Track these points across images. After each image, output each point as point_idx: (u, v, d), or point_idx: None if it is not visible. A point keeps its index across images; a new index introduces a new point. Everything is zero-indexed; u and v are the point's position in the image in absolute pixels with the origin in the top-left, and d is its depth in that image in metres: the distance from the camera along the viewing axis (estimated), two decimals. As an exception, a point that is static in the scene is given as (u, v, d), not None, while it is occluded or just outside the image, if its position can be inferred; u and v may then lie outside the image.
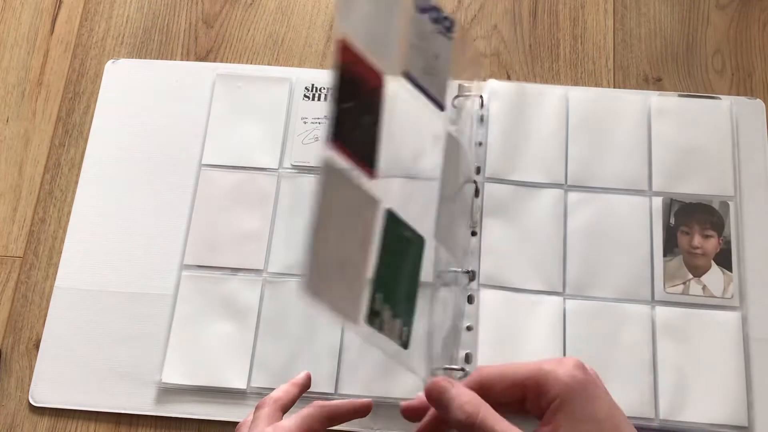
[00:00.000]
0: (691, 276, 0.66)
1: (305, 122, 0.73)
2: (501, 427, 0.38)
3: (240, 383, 0.64)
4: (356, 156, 0.45)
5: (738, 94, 0.74)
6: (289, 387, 0.53)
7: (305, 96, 0.74)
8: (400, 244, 0.52)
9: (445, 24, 0.53)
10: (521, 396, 0.40)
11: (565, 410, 0.38)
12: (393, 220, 0.51)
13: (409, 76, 0.51)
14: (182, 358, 0.65)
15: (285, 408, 0.51)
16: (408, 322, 0.53)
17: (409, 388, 0.63)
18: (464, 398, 0.40)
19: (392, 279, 0.51)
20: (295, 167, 0.71)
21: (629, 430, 0.39)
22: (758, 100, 0.73)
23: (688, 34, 0.77)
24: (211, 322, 0.66)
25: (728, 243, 0.67)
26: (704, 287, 0.66)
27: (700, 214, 0.68)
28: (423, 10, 0.51)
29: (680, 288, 0.66)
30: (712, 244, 0.67)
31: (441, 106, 0.53)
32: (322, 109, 0.73)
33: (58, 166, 0.74)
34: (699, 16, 0.77)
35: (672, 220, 0.68)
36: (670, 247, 0.67)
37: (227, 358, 0.65)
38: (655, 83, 0.75)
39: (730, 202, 0.68)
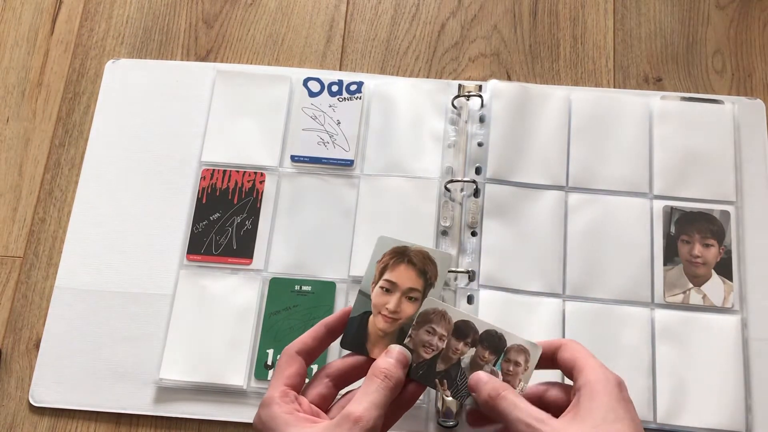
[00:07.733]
0: (691, 285, 0.66)
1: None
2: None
3: (239, 381, 0.64)
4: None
5: (738, 94, 0.73)
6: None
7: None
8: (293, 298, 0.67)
9: None
10: None
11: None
12: (278, 284, 0.67)
13: None
14: (181, 355, 0.65)
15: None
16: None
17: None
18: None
19: (285, 329, 0.66)
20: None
21: None
22: (758, 100, 0.73)
23: (688, 34, 0.77)
24: (210, 320, 0.66)
25: (729, 252, 0.67)
26: (704, 296, 0.65)
27: (700, 223, 0.67)
28: None
29: (680, 297, 0.66)
30: (712, 253, 0.67)
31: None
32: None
33: (58, 166, 0.74)
34: (699, 16, 0.77)
35: (672, 229, 0.68)
36: (670, 255, 0.67)
37: (226, 356, 0.65)
38: (655, 83, 0.75)
39: (730, 210, 0.68)
